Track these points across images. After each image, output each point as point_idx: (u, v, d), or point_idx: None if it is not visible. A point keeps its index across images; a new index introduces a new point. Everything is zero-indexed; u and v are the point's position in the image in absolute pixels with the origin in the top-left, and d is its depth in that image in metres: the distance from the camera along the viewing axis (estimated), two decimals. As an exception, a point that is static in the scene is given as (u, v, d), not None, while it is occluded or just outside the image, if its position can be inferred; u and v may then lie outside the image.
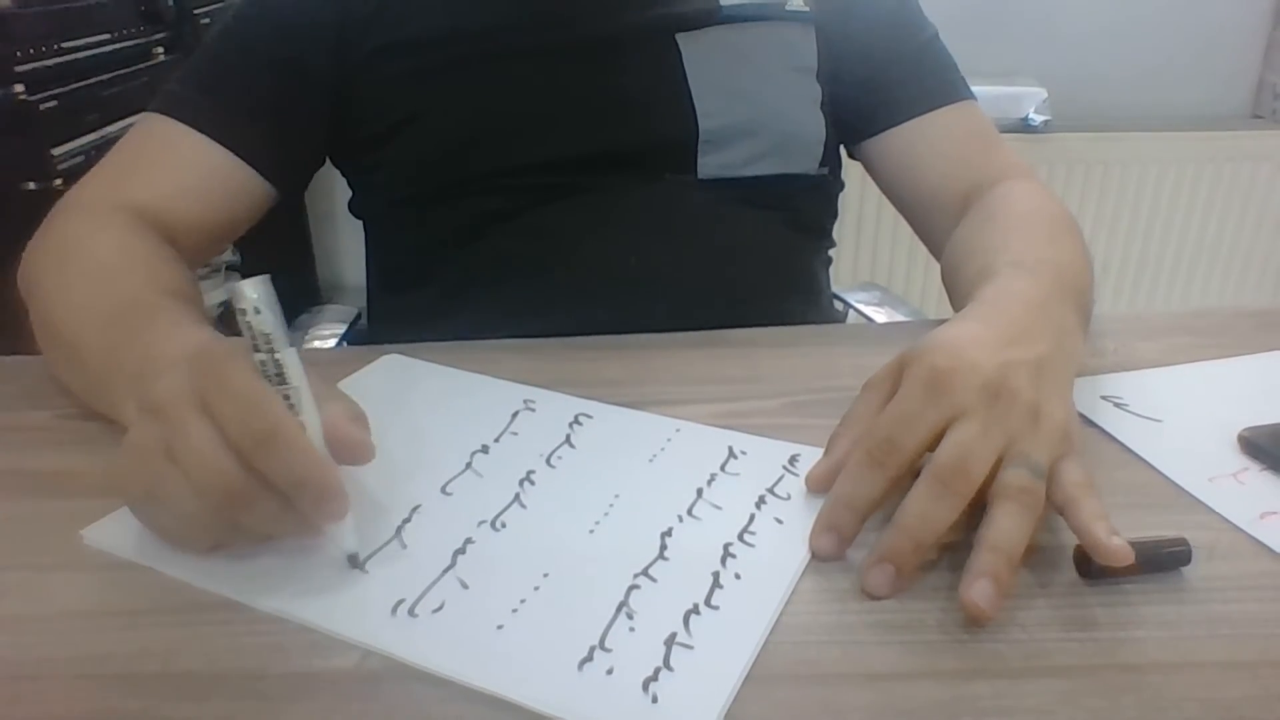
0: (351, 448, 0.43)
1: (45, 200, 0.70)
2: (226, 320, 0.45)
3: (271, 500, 0.40)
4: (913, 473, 0.44)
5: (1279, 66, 2.05)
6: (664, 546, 0.45)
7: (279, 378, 0.42)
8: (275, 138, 0.74)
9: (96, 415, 0.56)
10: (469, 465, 0.52)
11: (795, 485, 0.50)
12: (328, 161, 0.83)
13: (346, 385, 0.61)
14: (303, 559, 0.44)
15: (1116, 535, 0.41)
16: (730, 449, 0.53)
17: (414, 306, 0.80)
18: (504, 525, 0.47)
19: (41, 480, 0.52)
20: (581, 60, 0.75)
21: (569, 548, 0.45)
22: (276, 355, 0.42)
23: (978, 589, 0.39)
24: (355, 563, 0.43)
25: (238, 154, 0.72)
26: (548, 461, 0.52)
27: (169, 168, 0.71)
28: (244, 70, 0.75)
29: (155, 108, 0.73)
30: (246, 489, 0.40)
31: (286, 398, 0.42)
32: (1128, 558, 0.40)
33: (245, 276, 0.42)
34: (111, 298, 0.57)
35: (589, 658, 0.38)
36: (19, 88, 1.27)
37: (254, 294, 0.41)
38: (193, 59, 0.76)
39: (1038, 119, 1.94)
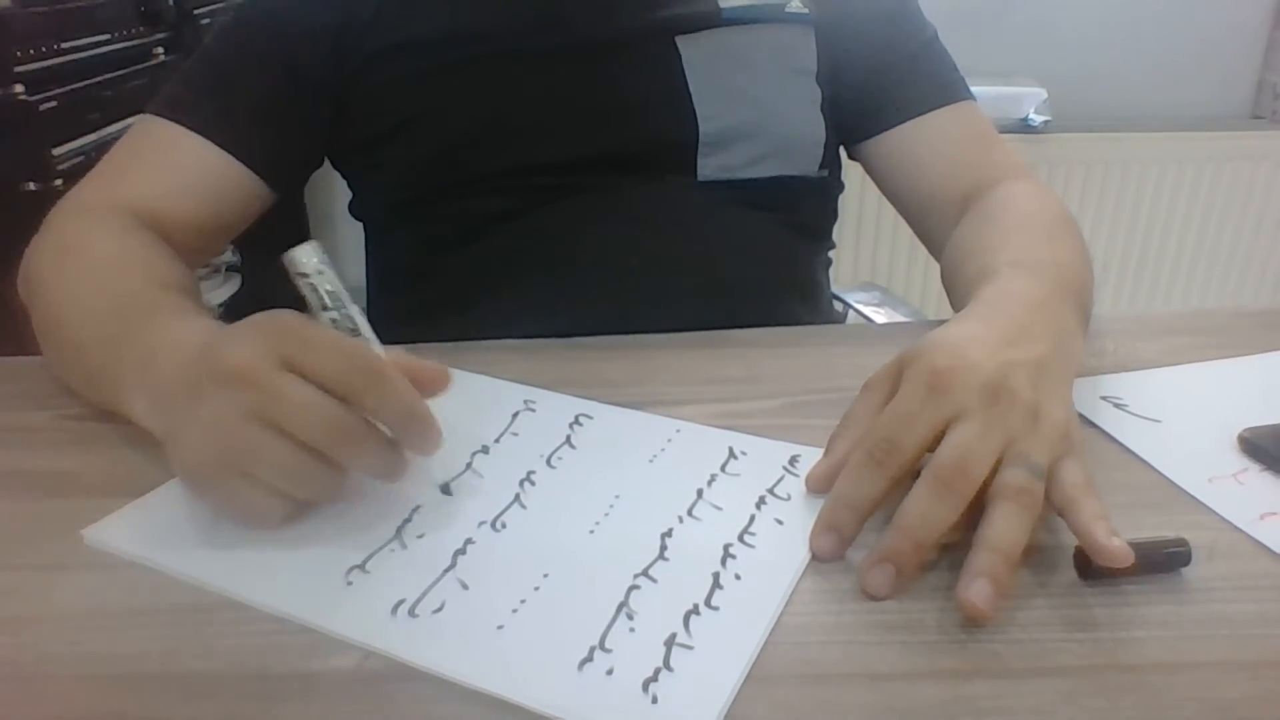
0: (431, 378, 0.46)
1: (46, 200, 0.70)
2: (228, 320, 0.46)
3: (379, 437, 0.43)
4: (913, 473, 0.44)
5: (1279, 66, 2.05)
6: (664, 547, 0.45)
7: (353, 332, 0.44)
8: (272, 139, 0.74)
9: (97, 415, 0.56)
10: (469, 465, 0.52)
11: (795, 486, 0.50)
12: (327, 162, 0.83)
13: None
14: (304, 559, 0.44)
15: (1116, 536, 0.41)
16: (730, 449, 0.53)
17: (414, 307, 0.80)
18: (504, 525, 0.47)
19: (41, 480, 0.52)
20: (581, 63, 0.75)
21: (569, 548, 0.45)
22: (347, 310, 0.44)
23: (976, 588, 0.39)
24: (447, 490, 0.48)
25: (234, 155, 0.72)
26: (548, 462, 0.52)
27: (165, 168, 0.72)
28: (241, 72, 0.75)
29: (153, 110, 0.73)
30: (359, 426, 0.42)
31: None
32: (1127, 559, 0.40)
33: (245, 277, 0.42)
34: (110, 294, 0.58)
35: (589, 658, 0.38)
36: (19, 88, 1.27)
37: (315, 257, 0.43)
38: (191, 61, 0.77)
39: (1038, 119, 1.94)
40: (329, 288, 0.44)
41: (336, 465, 0.43)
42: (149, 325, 0.52)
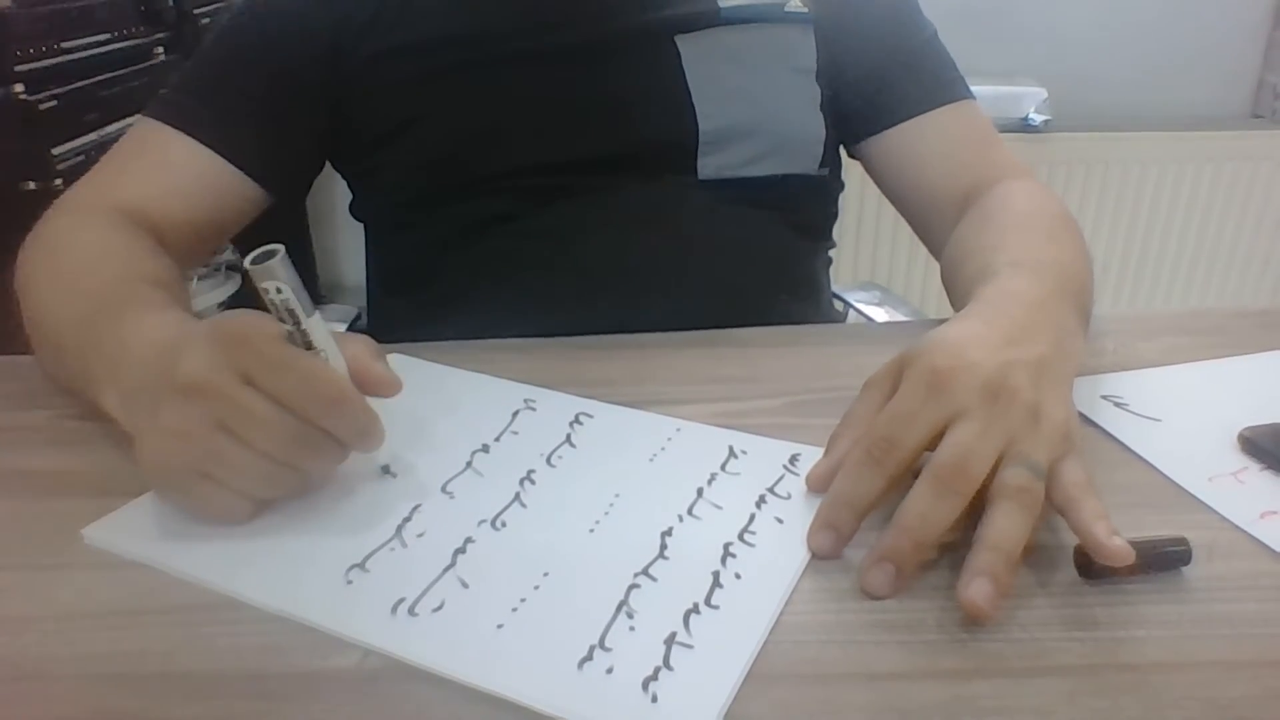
0: (380, 383, 0.48)
1: (45, 200, 0.70)
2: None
3: (335, 443, 0.45)
4: (912, 473, 0.44)
5: (1279, 66, 2.05)
6: (664, 546, 0.45)
7: (307, 345, 0.45)
8: (266, 142, 0.74)
9: (97, 415, 0.56)
10: (469, 464, 0.52)
11: (796, 485, 0.50)
12: (330, 163, 0.83)
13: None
14: (303, 558, 0.44)
15: (1117, 535, 0.41)
16: (731, 448, 0.53)
17: (415, 308, 0.80)
18: (504, 524, 0.47)
19: (41, 480, 0.52)
20: (581, 63, 0.75)
21: (569, 547, 0.45)
22: (302, 325, 0.44)
23: (976, 587, 0.39)
24: (388, 471, 0.50)
25: (226, 158, 0.72)
26: (548, 461, 0.52)
27: (158, 170, 0.72)
28: (236, 76, 0.75)
29: (149, 113, 0.74)
30: (318, 439, 0.44)
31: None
32: (1128, 558, 0.40)
33: (244, 276, 0.42)
34: (87, 290, 0.58)
35: (589, 657, 0.38)
36: (19, 88, 1.27)
37: (270, 270, 0.43)
38: (187, 65, 0.77)
39: (1038, 119, 1.94)
40: (284, 299, 0.43)
41: (295, 469, 0.45)
42: (120, 320, 0.52)
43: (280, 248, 0.43)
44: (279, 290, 0.43)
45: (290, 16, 0.75)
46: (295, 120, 0.76)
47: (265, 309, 0.44)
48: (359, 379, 0.46)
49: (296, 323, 0.44)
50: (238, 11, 0.77)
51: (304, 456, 0.45)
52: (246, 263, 0.43)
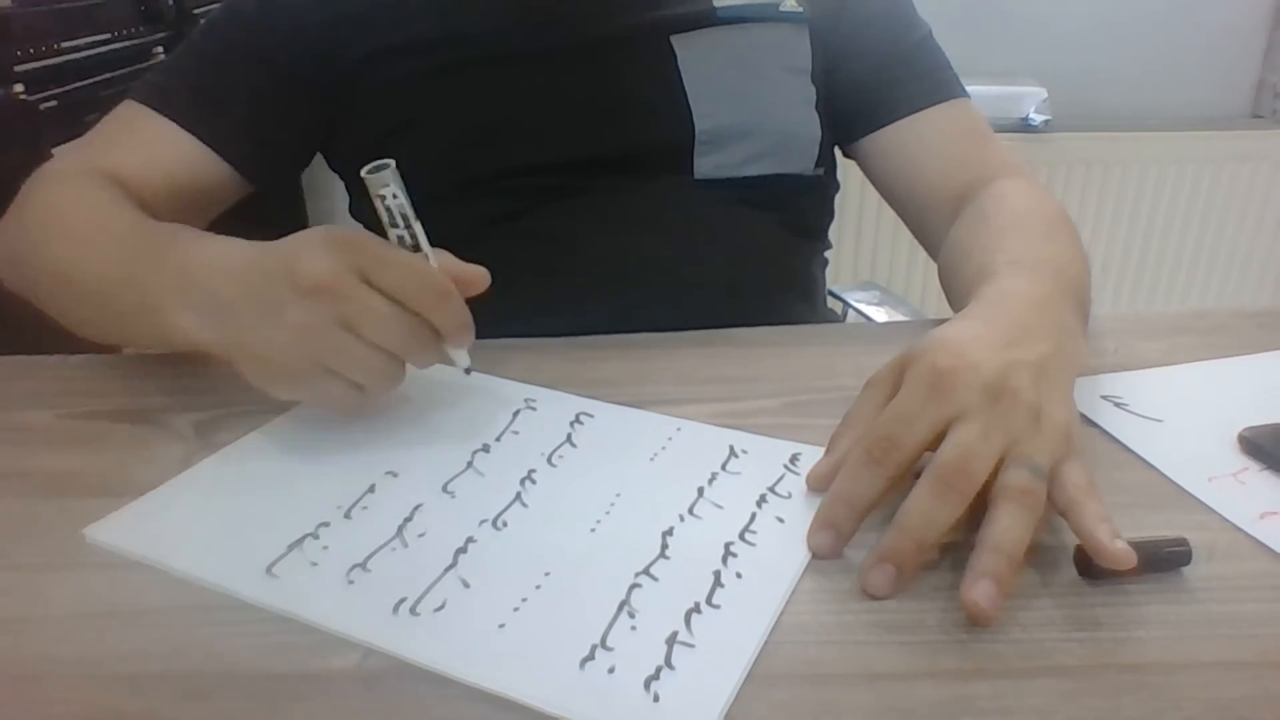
0: (470, 282, 0.52)
1: (45, 200, 0.70)
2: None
3: (437, 340, 0.51)
4: (913, 473, 0.44)
5: (1279, 66, 2.05)
6: (665, 545, 0.45)
7: (414, 247, 0.51)
8: (247, 131, 0.74)
9: (97, 415, 0.56)
10: (470, 464, 0.52)
11: (796, 484, 0.50)
12: (328, 163, 0.83)
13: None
14: (304, 558, 0.44)
15: (1119, 538, 0.41)
16: (731, 448, 0.53)
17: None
18: (505, 524, 0.47)
19: (41, 480, 0.52)
20: (577, 63, 0.75)
21: (570, 546, 0.45)
22: (412, 229, 0.50)
23: (979, 589, 0.39)
24: (469, 372, 0.55)
25: (205, 142, 0.72)
26: (549, 460, 0.52)
27: (137, 148, 0.72)
28: (221, 64, 0.75)
29: (133, 95, 0.74)
30: (428, 334, 0.50)
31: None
32: (1130, 561, 0.40)
33: (370, 169, 0.49)
34: (117, 235, 0.60)
35: (590, 656, 0.38)
36: (19, 88, 1.27)
37: (390, 179, 0.49)
38: (178, 51, 0.78)
39: (1038, 119, 1.94)
40: (399, 204, 0.49)
41: (401, 361, 0.50)
42: (172, 249, 0.55)
43: (391, 161, 0.49)
44: (394, 196, 0.49)
45: (285, 11, 0.75)
46: (283, 114, 0.76)
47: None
48: (452, 278, 0.51)
49: (408, 225, 0.50)
50: (229, 1, 0.77)
51: (413, 350, 0.50)
52: (363, 173, 0.49)
